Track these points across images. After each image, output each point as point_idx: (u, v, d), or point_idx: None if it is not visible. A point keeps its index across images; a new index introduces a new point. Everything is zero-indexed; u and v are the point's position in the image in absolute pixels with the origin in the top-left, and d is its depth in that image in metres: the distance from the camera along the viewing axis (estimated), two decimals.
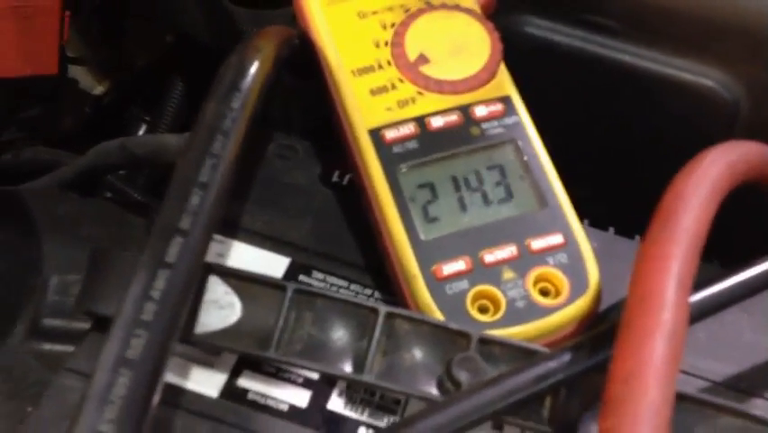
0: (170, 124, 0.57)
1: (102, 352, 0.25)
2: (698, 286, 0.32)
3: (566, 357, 0.30)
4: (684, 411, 0.30)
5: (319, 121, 0.41)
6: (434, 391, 0.31)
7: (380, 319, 0.31)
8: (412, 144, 0.36)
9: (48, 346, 0.34)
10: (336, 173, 0.40)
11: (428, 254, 0.34)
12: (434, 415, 0.29)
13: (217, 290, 0.32)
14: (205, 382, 0.32)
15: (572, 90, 0.44)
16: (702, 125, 0.43)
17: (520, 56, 0.40)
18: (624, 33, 0.42)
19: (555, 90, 0.44)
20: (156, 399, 0.25)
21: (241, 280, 0.32)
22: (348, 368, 0.31)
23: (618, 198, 0.43)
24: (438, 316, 0.33)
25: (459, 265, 0.33)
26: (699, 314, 0.31)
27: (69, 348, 0.34)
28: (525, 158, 0.36)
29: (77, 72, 0.63)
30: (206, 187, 0.29)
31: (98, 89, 0.64)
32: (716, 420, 0.30)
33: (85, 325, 0.33)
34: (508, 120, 0.36)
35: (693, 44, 0.41)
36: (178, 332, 0.27)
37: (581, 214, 0.40)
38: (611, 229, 0.40)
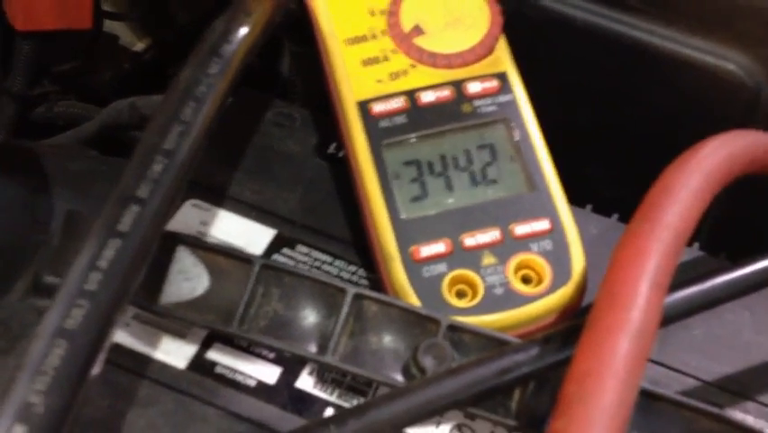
0: None
1: (42, 320, 0.25)
2: (684, 282, 0.30)
3: (535, 350, 0.28)
4: (660, 413, 0.29)
5: (321, 89, 0.40)
6: (399, 376, 0.30)
7: (348, 300, 0.30)
8: (400, 119, 0.34)
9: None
10: (333, 145, 0.39)
11: (407, 234, 0.32)
12: (391, 402, 0.28)
13: (185, 260, 0.31)
14: (175, 353, 0.32)
15: (585, 66, 0.42)
16: (721, 110, 0.40)
17: (532, 28, 0.38)
18: (641, 10, 0.40)
19: (567, 65, 0.42)
20: (96, 370, 0.25)
21: (209, 252, 0.31)
22: (312, 348, 0.30)
23: (628, 182, 0.41)
24: (413, 298, 0.32)
25: (438, 247, 0.32)
26: (679, 314, 0.30)
27: None
28: (517, 138, 0.34)
29: (118, 28, 0.63)
30: (171, 154, 0.29)
31: (139, 46, 0.64)
32: (692, 424, 0.29)
33: None
34: (502, 98, 0.35)
35: (714, 24, 0.39)
36: (125, 304, 0.26)
37: (587, 197, 0.39)
38: (615, 216, 0.38)
